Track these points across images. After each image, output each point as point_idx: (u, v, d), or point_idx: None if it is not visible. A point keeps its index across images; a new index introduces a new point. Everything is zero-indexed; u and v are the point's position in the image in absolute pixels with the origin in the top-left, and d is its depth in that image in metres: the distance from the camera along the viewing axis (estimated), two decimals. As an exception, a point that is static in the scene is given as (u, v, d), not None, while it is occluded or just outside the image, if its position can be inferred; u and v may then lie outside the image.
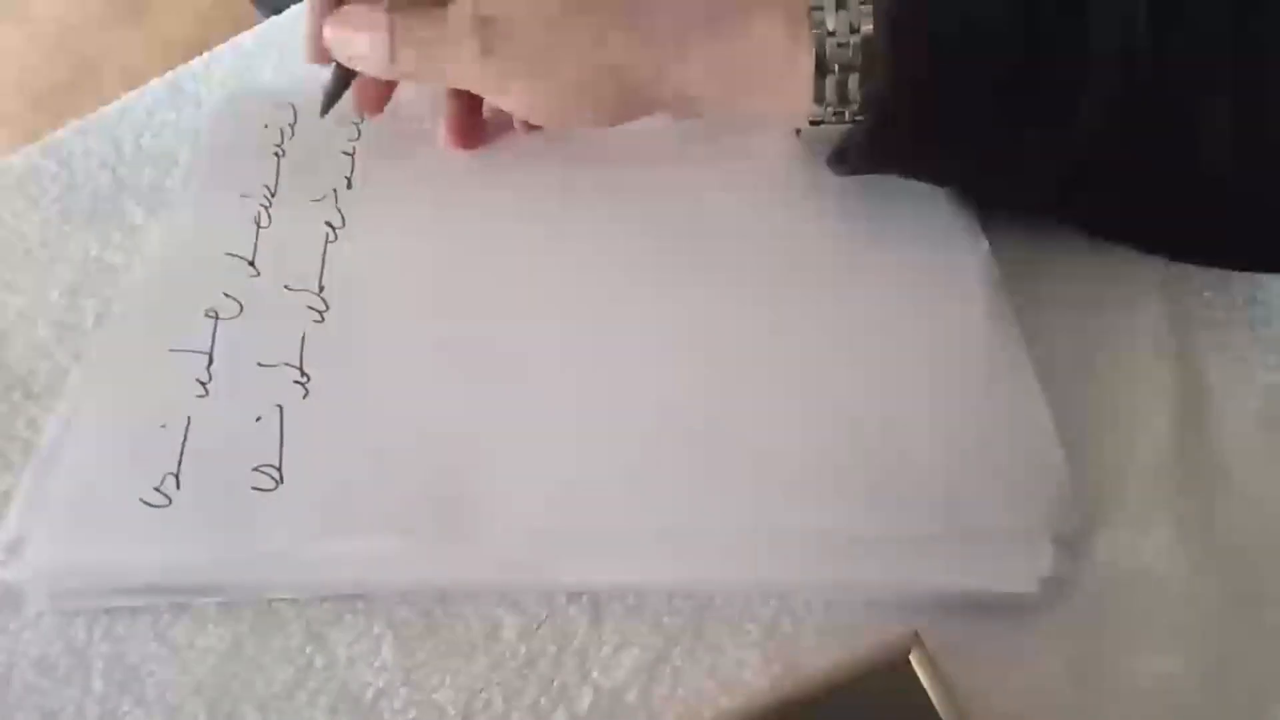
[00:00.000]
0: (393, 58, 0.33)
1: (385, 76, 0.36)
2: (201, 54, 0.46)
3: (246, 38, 0.47)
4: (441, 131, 0.39)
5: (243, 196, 0.38)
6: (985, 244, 0.34)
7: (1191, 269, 0.34)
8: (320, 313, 0.34)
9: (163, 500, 0.29)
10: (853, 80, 0.30)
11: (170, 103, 0.44)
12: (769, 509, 0.29)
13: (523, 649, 0.28)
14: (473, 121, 0.39)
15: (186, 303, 0.34)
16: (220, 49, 0.46)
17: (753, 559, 0.28)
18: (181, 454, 0.30)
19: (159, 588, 0.29)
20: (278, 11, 0.48)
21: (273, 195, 0.38)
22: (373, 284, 0.35)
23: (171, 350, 0.33)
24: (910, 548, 0.28)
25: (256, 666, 0.28)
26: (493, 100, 0.36)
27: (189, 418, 0.31)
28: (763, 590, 0.28)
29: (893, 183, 0.34)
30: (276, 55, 0.45)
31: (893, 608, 0.27)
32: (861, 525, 0.28)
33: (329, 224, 0.37)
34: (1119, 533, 0.28)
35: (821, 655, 0.27)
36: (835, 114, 0.31)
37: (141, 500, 0.29)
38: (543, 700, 0.27)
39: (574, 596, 0.28)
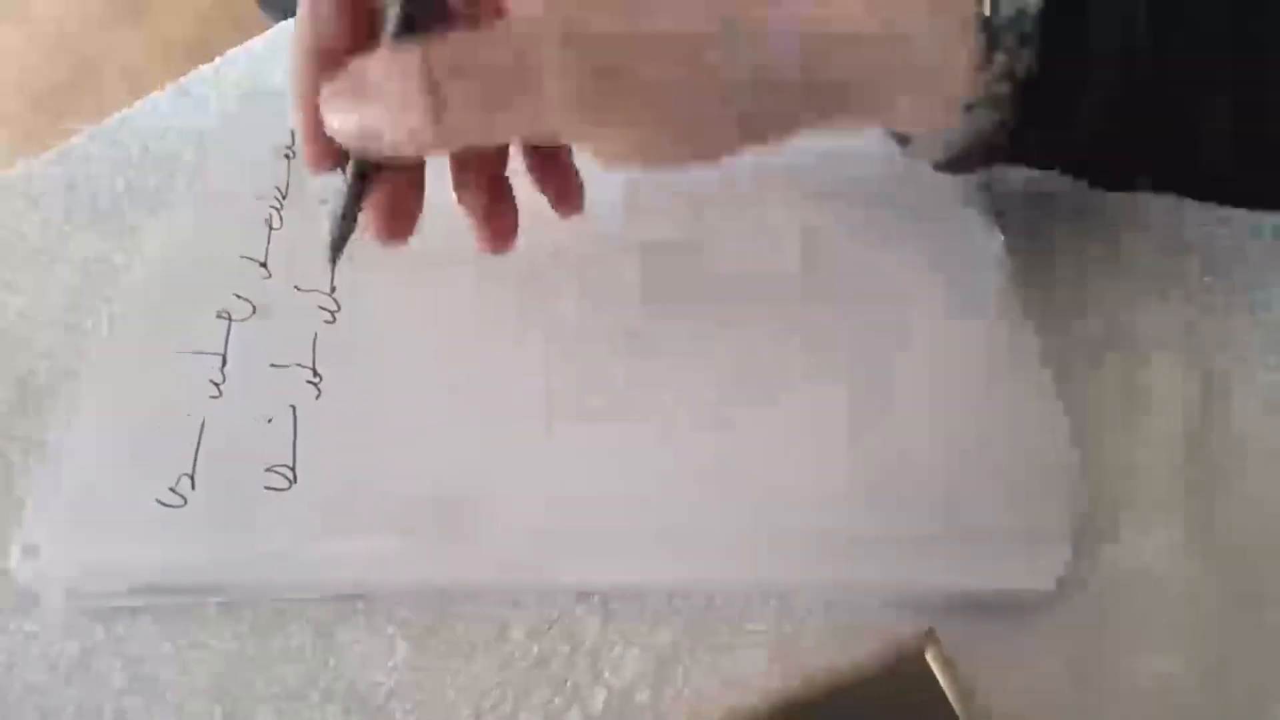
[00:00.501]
0: (439, 112, 0.23)
1: (429, 149, 0.26)
2: (204, 55, 0.46)
3: (257, 42, 0.47)
4: (481, 229, 0.30)
5: (255, 198, 0.38)
6: (1000, 240, 0.34)
7: (1197, 266, 0.34)
8: (332, 313, 0.34)
9: (178, 500, 0.29)
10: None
11: (179, 107, 0.44)
12: (775, 510, 0.29)
13: (534, 649, 0.28)
14: (503, 204, 0.30)
15: (199, 304, 0.34)
16: (231, 53, 0.46)
17: (763, 559, 0.28)
18: (196, 455, 0.30)
19: (173, 587, 0.29)
20: (287, 15, 0.48)
21: (284, 197, 0.38)
22: (384, 284, 0.35)
23: (185, 352, 0.33)
24: (920, 547, 0.28)
25: (268, 666, 0.28)
26: (577, 147, 0.28)
27: (203, 419, 0.31)
28: (773, 590, 0.28)
29: (906, 177, 0.33)
30: (287, 59, 0.45)
31: (904, 608, 0.27)
32: (870, 525, 0.28)
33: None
34: (1130, 533, 0.28)
35: (832, 655, 0.27)
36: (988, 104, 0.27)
37: (157, 500, 0.29)
38: (555, 700, 0.27)
39: (583, 597, 0.29)
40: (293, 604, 0.29)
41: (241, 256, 0.36)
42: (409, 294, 0.35)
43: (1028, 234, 0.33)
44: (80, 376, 0.34)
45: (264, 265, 0.36)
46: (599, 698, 0.27)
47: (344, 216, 0.26)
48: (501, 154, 0.31)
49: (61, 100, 1.40)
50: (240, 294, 0.34)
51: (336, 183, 0.27)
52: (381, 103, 0.24)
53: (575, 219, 0.32)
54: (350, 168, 0.26)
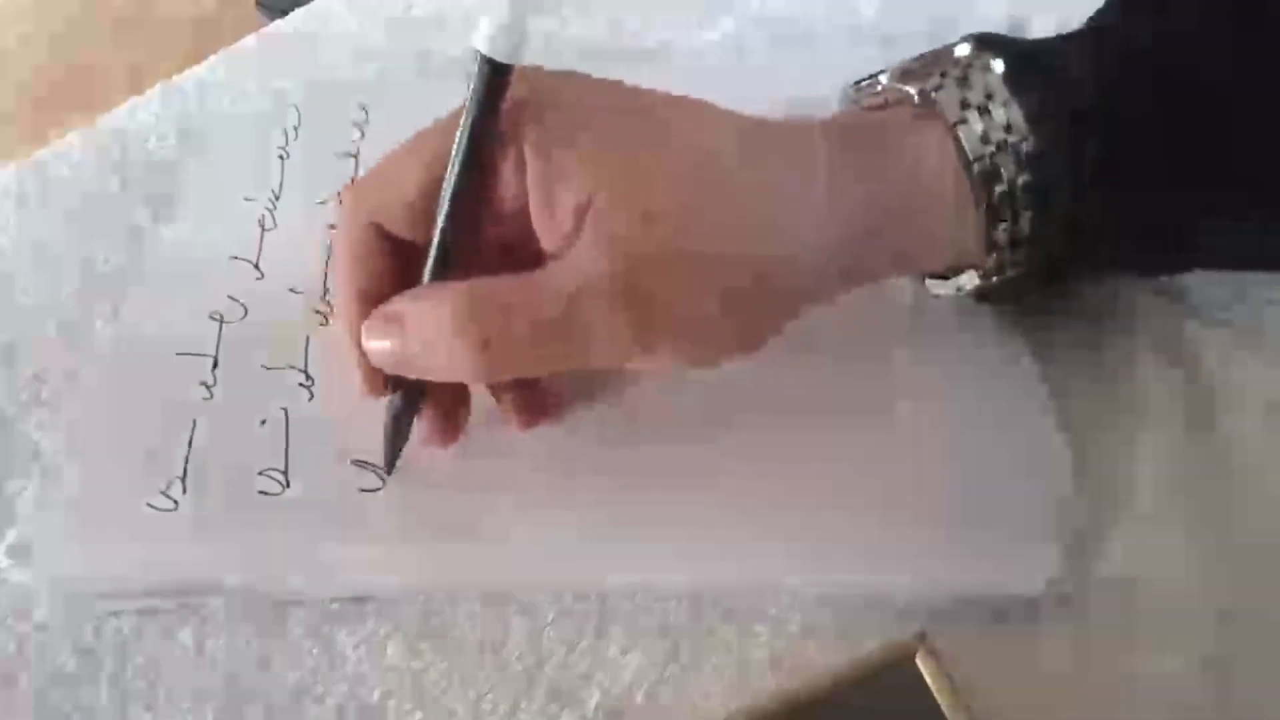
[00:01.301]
0: (482, 352, 0.25)
1: (470, 381, 0.28)
2: (201, 54, 0.46)
3: (250, 41, 0.47)
4: (518, 418, 0.31)
5: (246, 199, 0.38)
6: None
7: (1196, 273, 0.33)
8: (325, 316, 0.34)
9: (169, 504, 0.29)
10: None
11: (176, 107, 0.44)
12: (768, 513, 0.28)
13: (530, 651, 0.28)
14: (534, 398, 0.31)
15: (191, 305, 0.34)
16: (225, 52, 0.46)
17: (757, 562, 0.28)
18: (187, 458, 0.30)
19: (167, 591, 0.29)
20: (283, 14, 0.48)
21: (277, 198, 0.38)
22: None
23: (177, 353, 0.33)
24: (916, 549, 0.28)
25: (265, 669, 0.28)
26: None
27: (194, 421, 0.31)
28: (767, 593, 0.28)
29: None
30: (281, 59, 0.45)
31: (899, 609, 0.27)
32: (862, 528, 0.28)
33: (333, 227, 0.37)
34: (1125, 535, 0.28)
35: (828, 656, 0.27)
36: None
37: (148, 504, 0.29)
38: (550, 703, 0.27)
39: (581, 598, 0.28)
40: (290, 606, 0.29)
41: (234, 257, 0.36)
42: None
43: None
44: (76, 378, 0.34)
45: (256, 266, 0.36)
46: (594, 700, 0.27)
47: (396, 433, 0.29)
48: None
49: (63, 102, 1.40)
50: (232, 295, 0.34)
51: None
52: (420, 336, 0.25)
53: None
54: (396, 397, 0.28)
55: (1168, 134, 0.27)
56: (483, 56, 0.24)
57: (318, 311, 0.34)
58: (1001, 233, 0.27)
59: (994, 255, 0.28)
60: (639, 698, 0.27)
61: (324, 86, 0.43)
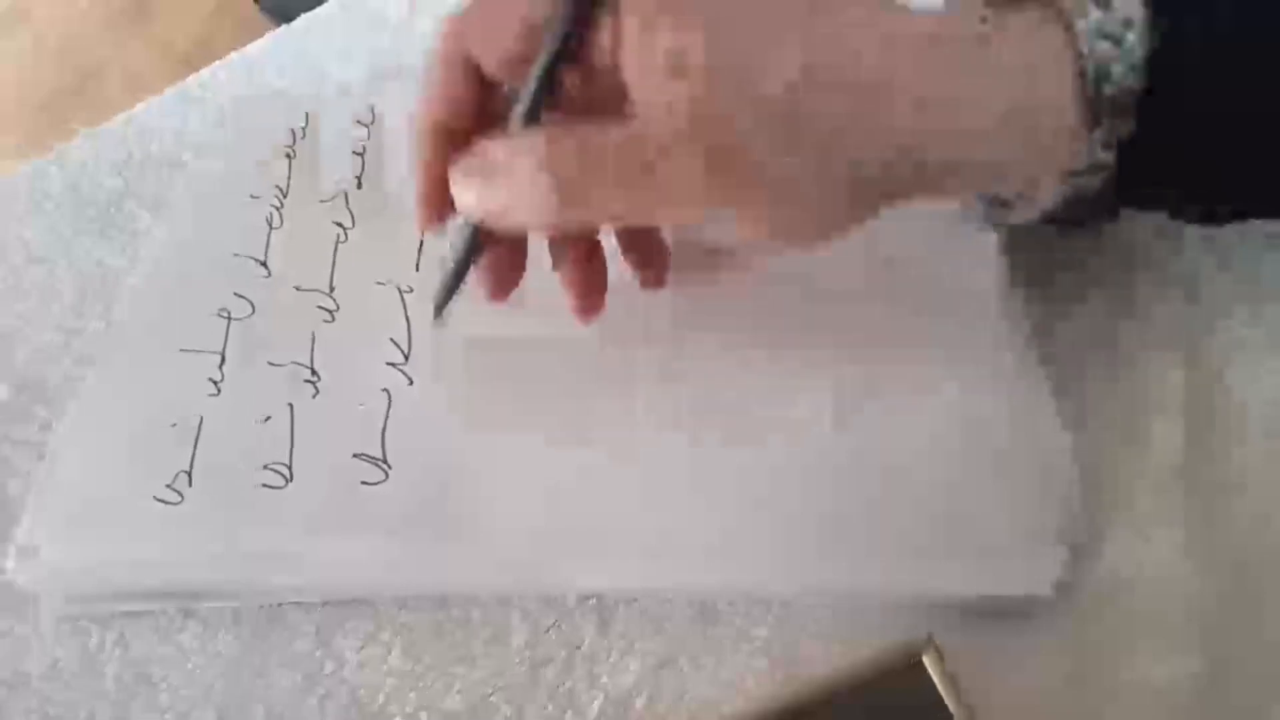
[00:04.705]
0: (565, 195, 0.25)
1: (551, 229, 0.28)
2: (205, 59, 0.46)
3: (256, 45, 0.47)
4: (577, 299, 0.31)
5: (254, 197, 0.38)
6: (994, 240, 0.34)
7: (1197, 265, 0.33)
8: (330, 312, 0.34)
9: (175, 497, 0.29)
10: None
11: (180, 110, 0.44)
12: (773, 516, 0.28)
13: (530, 654, 0.28)
14: (593, 274, 0.31)
15: (199, 303, 0.34)
16: (230, 57, 0.46)
17: (761, 565, 0.28)
18: (194, 452, 0.30)
19: (170, 591, 0.29)
20: (287, 19, 0.48)
21: (284, 196, 0.38)
22: (381, 283, 0.35)
23: (184, 350, 0.33)
24: (916, 552, 0.28)
25: (266, 670, 0.28)
26: (703, 225, 0.29)
27: (201, 416, 0.31)
28: (771, 596, 0.28)
29: None
30: (286, 62, 0.46)
31: (901, 612, 0.27)
32: (867, 531, 0.28)
33: (339, 224, 0.37)
34: (1128, 536, 0.28)
35: (830, 660, 0.26)
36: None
37: (154, 498, 0.29)
38: (550, 706, 0.27)
39: (581, 600, 0.28)
40: (292, 607, 0.29)
41: (241, 255, 0.36)
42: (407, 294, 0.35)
43: (1022, 233, 0.33)
44: (80, 379, 0.34)
45: (263, 264, 0.36)
46: (596, 703, 0.27)
47: (454, 276, 0.28)
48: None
49: (66, 105, 1.40)
50: (239, 292, 0.34)
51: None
52: (509, 184, 0.25)
53: None
54: (466, 234, 0.28)
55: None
56: None
57: (323, 309, 0.34)
58: (1097, 139, 0.26)
59: (1087, 164, 0.26)
60: (640, 700, 0.27)
61: (331, 87, 0.43)
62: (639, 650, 0.28)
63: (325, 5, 0.48)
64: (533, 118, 0.26)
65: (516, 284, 0.30)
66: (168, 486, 0.29)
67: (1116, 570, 0.28)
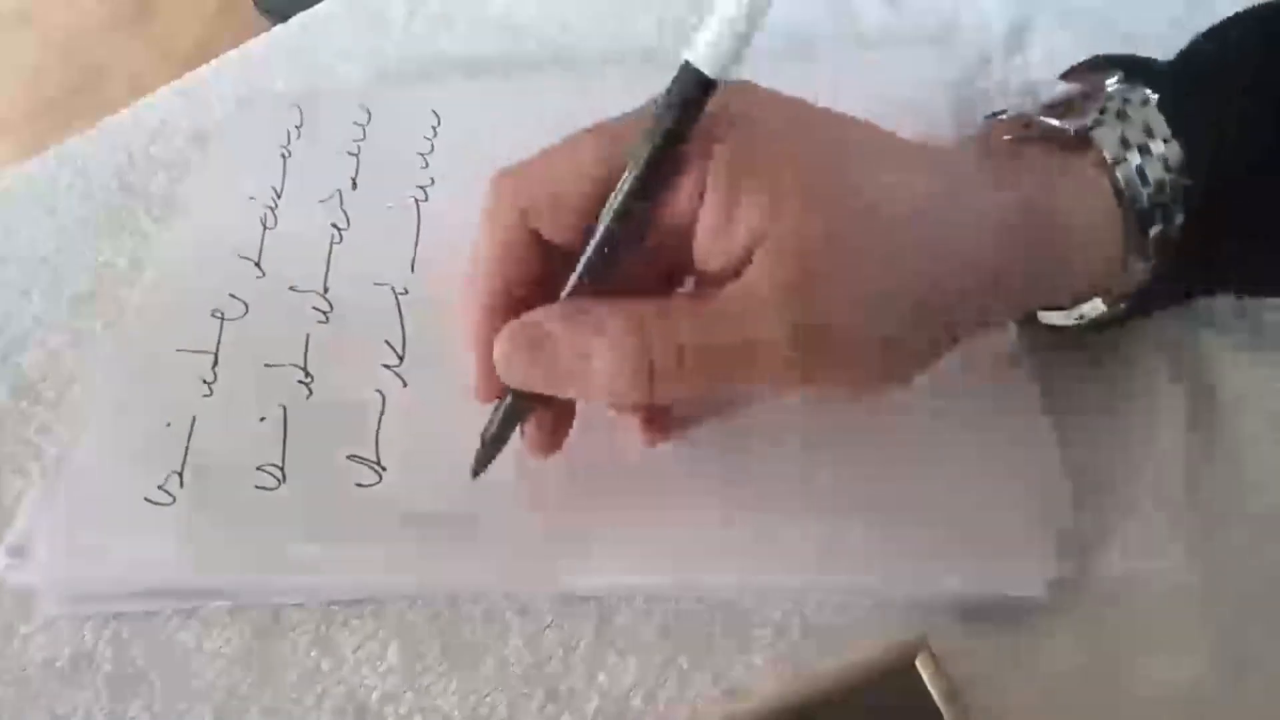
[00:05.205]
0: (653, 380, 0.24)
1: (636, 401, 0.27)
2: (206, 60, 0.46)
3: (254, 45, 0.47)
4: (637, 435, 0.29)
5: (249, 198, 0.38)
6: None
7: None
8: (324, 313, 0.34)
9: (166, 498, 0.29)
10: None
11: (180, 110, 0.44)
12: (769, 516, 0.28)
13: (529, 653, 0.28)
14: (662, 415, 0.30)
15: (193, 303, 0.34)
16: (229, 56, 0.46)
17: (757, 565, 0.28)
18: (186, 452, 0.30)
19: (166, 591, 0.29)
20: (284, 19, 0.48)
21: (279, 196, 0.38)
22: (376, 285, 0.35)
23: (178, 350, 0.33)
24: (910, 553, 0.28)
25: (263, 670, 0.28)
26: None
27: (194, 417, 0.31)
28: (767, 595, 0.28)
29: None
30: (284, 62, 0.46)
31: (900, 612, 0.27)
32: (861, 531, 0.28)
33: (334, 225, 0.37)
34: (1127, 537, 0.28)
35: (828, 659, 0.26)
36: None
37: (146, 498, 0.29)
38: (549, 705, 0.27)
39: (580, 600, 0.28)
40: (290, 608, 0.29)
41: (236, 255, 0.36)
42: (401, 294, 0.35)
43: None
44: (81, 379, 0.34)
45: (258, 264, 0.36)
46: (594, 703, 0.27)
47: (494, 442, 0.27)
48: None
49: (68, 106, 1.41)
50: (233, 293, 0.34)
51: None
52: (576, 357, 0.24)
53: None
54: (508, 402, 0.27)
55: None
56: (690, 66, 0.23)
57: (318, 309, 0.34)
58: (1141, 264, 0.27)
59: (1133, 283, 0.28)
60: (638, 700, 0.27)
61: (326, 87, 0.43)
62: (637, 650, 0.27)
63: (323, 5, 0.48)
64: (591, 279, 0.25)
65: (565, 437, 0.28)
66: (159, 487, 0.29)
67: (1114, 572, 0.27)
